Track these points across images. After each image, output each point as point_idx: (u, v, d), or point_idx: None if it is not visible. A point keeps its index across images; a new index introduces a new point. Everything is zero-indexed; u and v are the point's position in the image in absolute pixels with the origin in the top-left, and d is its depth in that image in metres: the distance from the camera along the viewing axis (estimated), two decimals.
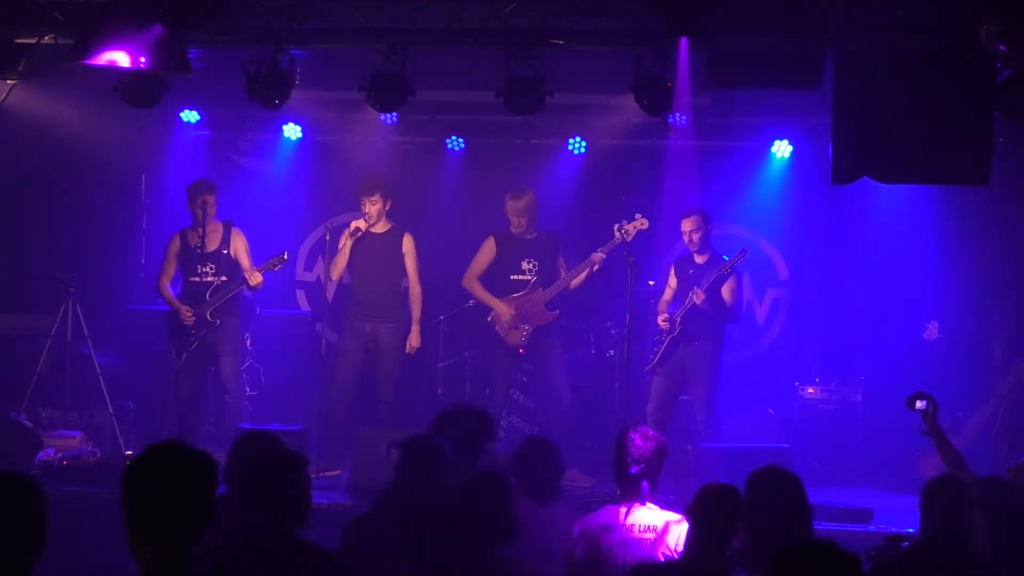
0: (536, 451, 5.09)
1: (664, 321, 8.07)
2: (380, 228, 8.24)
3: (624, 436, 4.67)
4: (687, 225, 8.04)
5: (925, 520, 4.29)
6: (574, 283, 8.31)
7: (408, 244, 8.30)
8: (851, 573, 2.77)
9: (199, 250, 8.17)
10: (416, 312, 8.38)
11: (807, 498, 4.09)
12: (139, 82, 7.61)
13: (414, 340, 8.35)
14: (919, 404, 5.35)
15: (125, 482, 2.70)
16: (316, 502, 6.13)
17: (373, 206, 8.13)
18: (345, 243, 8.15)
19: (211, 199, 8.22)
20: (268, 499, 3.78)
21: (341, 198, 9.55)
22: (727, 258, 7.96)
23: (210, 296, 8.18)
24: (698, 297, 7.83)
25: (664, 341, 8.06)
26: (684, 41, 6.82)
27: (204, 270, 8.22)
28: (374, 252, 8.22)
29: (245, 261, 8.31)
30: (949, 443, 5.39)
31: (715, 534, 3.98)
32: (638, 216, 8.10)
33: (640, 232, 8.09)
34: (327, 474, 7.76)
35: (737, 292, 8.04)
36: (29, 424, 8.09)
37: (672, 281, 8.26)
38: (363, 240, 8.18)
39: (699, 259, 8.08)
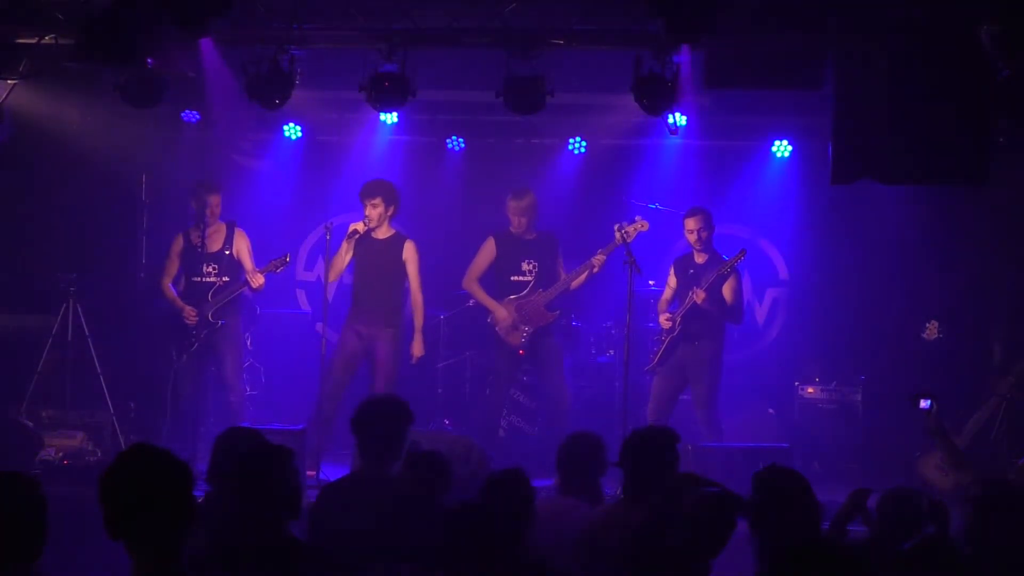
0: (584, 445, 5.01)
1: (667, 320, 8.07)
2: (382, 234, 8.20)
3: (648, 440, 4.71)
4: (692, 223, 8.02)
5: (880, 524, 4.33)
6: (574, 284, 8.31)
7: (409, 251, 8.24)
8: (853, 572, 2.78)
9: (201, 250, 8.18)
10: (419, 320, 8.33)
11: (815, 496, 4.11)
12: (138, 82, 7.62)
13: (417, 348, 8.31)
14: (923, 403, 5.35)
15: (100, 489, 2.69)
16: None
17: (374, 209, 8.09)
18: (344, 244, 8.14)
19: (216, 200, 8.25)
20: (254, 495, 3.78)
21: (341, 198, 9.55)
22: (727, 258, 7.97)
23: (212, 297, 8.19)
24: (698, 296, 7.83)
25: (664, 341, 8.06)
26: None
27: (207, 270, 8.24)
28: (374, 257, 8.19)
29: (247, 262, 8.32)
30: (953, 442, 5.39)
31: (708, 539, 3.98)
32: (638, 218, 8.08)
33: (640, 233, 8.09)
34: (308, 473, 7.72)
35: (738, 291, 8.04)
36: (29, 424, 8.09)
37: (672, 281, 8.26)
38: (365, 245, 8.15)
39: (699, 259, 8.08)
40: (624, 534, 4.41)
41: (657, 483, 4.61)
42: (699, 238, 8.01)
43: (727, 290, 7.93)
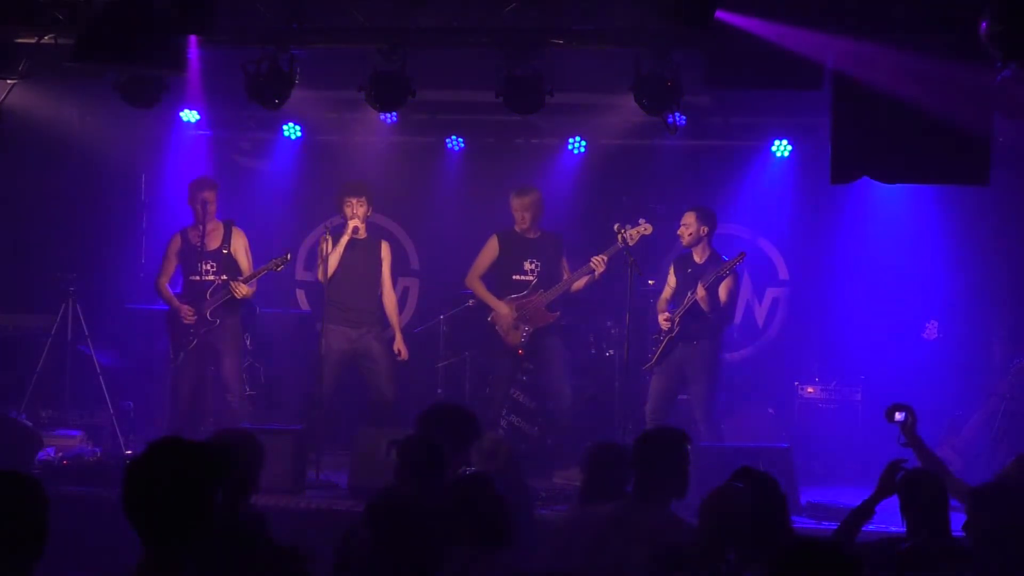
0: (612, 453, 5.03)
1: (665, 320, 8.05)
2: (363, 234, 8.22)
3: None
4: (687, 219, 7.99)
5: (905, 513, 4.38)
6: (575, 287, 8.27)
7: (386, 251, 8.33)
8: (851, 573, 2.77)
9: (200, 248, 8.19)
10: (395, 319, 8.39)
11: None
12: (138, 82, 7.63)
13: (401, 345, 8.35)
14: (898, 416, 5.36)
15: (125, 477, 2.70)
16: (315, 503, 6.14)
17: (361, 208, 8.12)
18: (343, 239, 8.13)
19: (211, 197, 8.24)
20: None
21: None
22: (727, 258, 7.96)
23: (210, 295, 8.19)
24: (699, 293, 7.77)
25: (663, 340, 8.04)
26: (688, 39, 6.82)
27: (205, 268, 8.23)
28: (357, 258, 8.20)
29: (244, 261, 8.31)
30: (930, 452, 5.41)
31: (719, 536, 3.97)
32: (642, 221, 8.06)
33: (643, 236, 8.06)
34: None
35: (733, 293, 8.00)
36: (29, 424, 8.09)
37: (671, 280, 8.25)
38: (350, 246, 8.16)
39: (698, 258, 8.06)
40: (631, 535, 4.39)
41: (668, 484, 4.61)
42: (690, 234, 7.94)
43: (723, 291, 7.89)
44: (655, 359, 8.08)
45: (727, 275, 7.87)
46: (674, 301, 8.17)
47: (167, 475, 2.68)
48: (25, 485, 2.88)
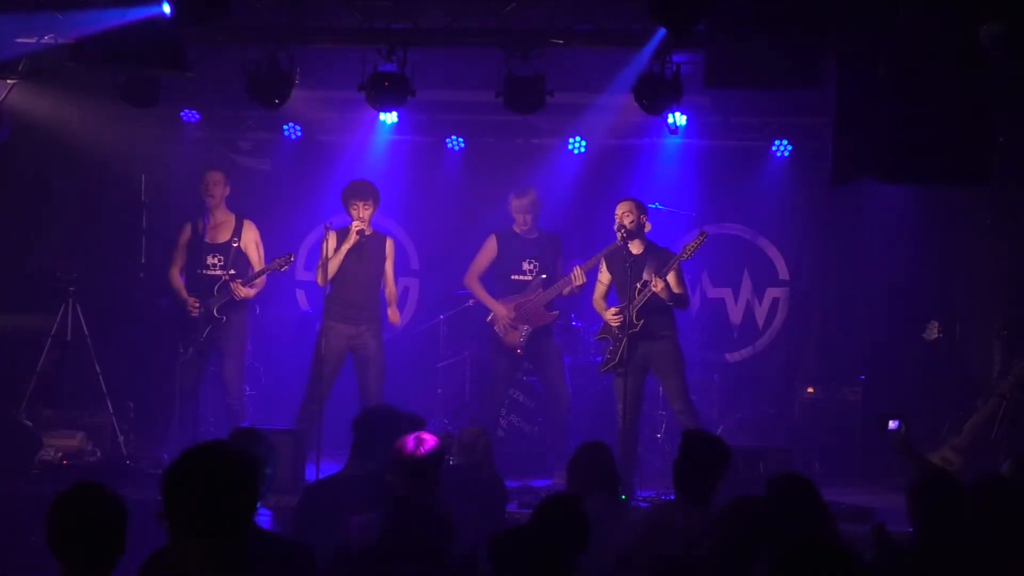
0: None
1: (614, 316, 7.74)
2: (368, 232, 8.17)
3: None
4: (618, 210, 7.55)
5: (915, 519, 4.34)
6: (566, 292, 8.15)
7: (390, 248, 8.25)
8: (854, 572, 2.77)
9: (203, 237, 8.12)
10: (392, 299, 8.30)
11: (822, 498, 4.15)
12: (138, 82, 7.63)
13: (394, 315, 8.30)
14: (892, 424, 5.36)
15: (168, 483, 2.73)
16: None
17: (366, 211, 8.06)
18: (344, 246, 8.07)
19: (215, 179, 8.17)
20: None
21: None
22: (662, 246, 7.66)
23: (218, 291, 8.11)
24: (657, 286, 7.43)
25: (622, 339, 7.58)
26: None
27: (212, 262, 8.17)
28: (362, 256, 8.14)
29: (254, 255, 8.25)
30: (923, 458, 5.41)
31: (740, 546, 3.90)
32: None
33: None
34: None
35: (683, 277, 7.73)
36: (29, 424, 8.08)
37: (604, 276, 7.83)
38: (355, 245, 8.11)
39: (635, 249, 7.66)
40: (678, 539, 4.38)
41: (711, 489, 4.62)
42: (630, 222, 7.51)
43: (672, 277, 7.51)
44: (617, 359, 7.59)
45: (687, 258, 7.52)
46: (614, 297, 7.87)
47: (217, 478, 2.72)
48: (109, 496, 2.93)
